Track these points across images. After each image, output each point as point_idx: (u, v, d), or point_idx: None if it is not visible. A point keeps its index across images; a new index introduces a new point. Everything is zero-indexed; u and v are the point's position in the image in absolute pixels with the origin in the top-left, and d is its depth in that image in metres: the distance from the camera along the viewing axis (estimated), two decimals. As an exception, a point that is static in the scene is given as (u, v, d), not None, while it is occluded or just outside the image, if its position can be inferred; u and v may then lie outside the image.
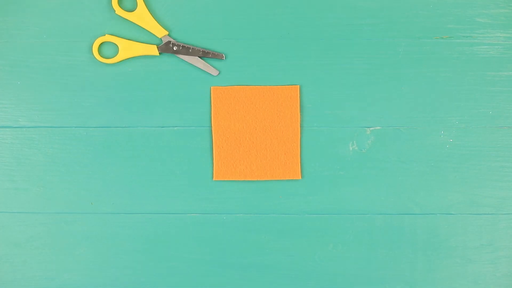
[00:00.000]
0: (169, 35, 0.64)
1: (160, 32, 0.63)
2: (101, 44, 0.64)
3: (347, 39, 0.63)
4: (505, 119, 0.64)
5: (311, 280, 0.65)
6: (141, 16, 0.63)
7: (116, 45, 0.64)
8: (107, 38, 0.63)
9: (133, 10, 0.63)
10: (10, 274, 0.66)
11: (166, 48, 0.63)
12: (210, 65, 0.63)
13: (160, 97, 0.64)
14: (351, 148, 0.64)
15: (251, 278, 0.65)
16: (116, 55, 0.64)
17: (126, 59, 0.64)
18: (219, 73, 0.63)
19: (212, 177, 0.64)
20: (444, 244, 0.64)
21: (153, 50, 0.63)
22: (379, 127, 0.64)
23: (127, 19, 0.64)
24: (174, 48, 0.63)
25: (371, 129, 0.64)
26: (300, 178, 0.64)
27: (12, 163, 0.65)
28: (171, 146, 0.65)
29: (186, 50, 0.63)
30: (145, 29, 0.64)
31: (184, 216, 0.65)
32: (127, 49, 0.63)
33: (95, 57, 0.64)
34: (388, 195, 0.64)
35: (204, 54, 0.63)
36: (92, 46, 0.63)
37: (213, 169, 0.64)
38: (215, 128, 0.64)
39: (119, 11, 0.63)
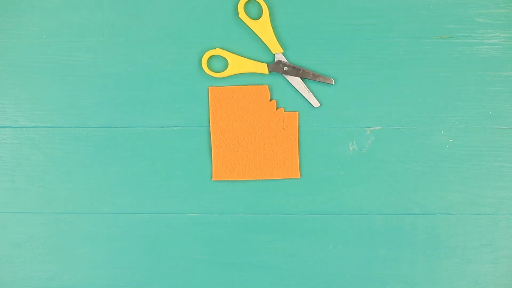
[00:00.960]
0: (283, 53, 0.63)
1: (275, 49, 0.62)
2: (211, 57, 0.64)
3: (347, 39, 0.63)
4: (505, 119, 0.64)
5: (311, 280, 0.65)
6: (263, 27, 0.61)
7: (226, 59, 0.63)
8: (218, 51, 0.63)
9: (257, 19, 0.62)
10: (10, 274, 0.66)
11: (276, 67, 0.62)
12: (314, 95, 0.62)
13: (160, 97, 0.64)
14: (351, 148, 0.64)
15: (251, 278, 0.65)
16: (225, 70, 0.63)
17: (234, 74, 0.63)
18: (320, 105, 0.63)
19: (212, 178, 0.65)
20: (444, 244, 0.64)
21: (263, 69, 0.62)
22: (379, 127, 0.64)
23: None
24: (285, 69, 0.61)
25: (371, 129, 0.64)
26: (299, 177, 0.64)
27: (12, 163, 0.65)
28: (171, 146, 0.65)
29: (296, 71, 0.61)
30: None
31: (184, 216, 0.65)
32: (237, 65, 0.62)
33: (203, 70, 0.63)
34: (388, 195, 0.64)
35: (314, 77, 0.61)
36: (202, 58, 0.63)
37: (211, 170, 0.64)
38: (213, 128, 0.64)
39: (242, 15, 0.62)
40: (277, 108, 0.64)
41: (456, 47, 0.63)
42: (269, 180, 0.65)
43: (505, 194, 0.64)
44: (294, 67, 0.61)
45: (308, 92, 0.62)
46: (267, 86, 0.64)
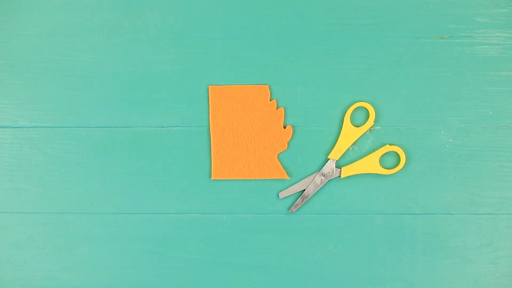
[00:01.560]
0: None
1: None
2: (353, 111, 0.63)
3: (347, 39, 0.63)
4: (505, 119, 0.64)
5: (311, 280, 0.65)
6: None
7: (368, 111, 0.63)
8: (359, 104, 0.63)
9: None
10: (10, 274, 0.66)
11: None
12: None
13: (160, 97, 0.64)
14: (351, 148, 0.64)
15: (251, 278, 0.65)
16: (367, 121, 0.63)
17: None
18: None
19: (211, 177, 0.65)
20: (444, 244, 0.64)
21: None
22: (379, 127, 0.64)
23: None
24: None
25: (371, 129, 0.64)
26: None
27: (12, 163, 0.65)
28: (170, 146, 0.65)
29: None
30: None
31: (184, 216, 0.65)
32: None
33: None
34: (388, 195, 0.64)
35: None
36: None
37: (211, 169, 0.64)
38: (213, 126, 0.64)
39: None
40: (277, 108, 0.64)
41: (456, 47, 0.63)
42: (269, 180, 0.65)
43: (505, 194, 0.64)
44: None
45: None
46: (267, 86, 0.64)
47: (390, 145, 0.63)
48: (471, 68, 0.63)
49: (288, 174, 0.64)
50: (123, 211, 0.65)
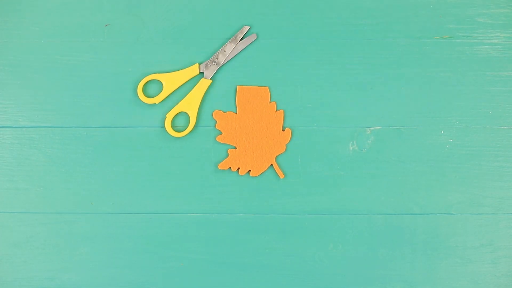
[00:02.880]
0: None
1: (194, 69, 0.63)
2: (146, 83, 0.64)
3: (347, 39, 0.63)
4: (505, 119, 0.64)
5: (311, 280, 0.65)
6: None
7: (160, 81, 0.64)
8: (151, 77, 0.63)
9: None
10: (10, 274, 0.66)
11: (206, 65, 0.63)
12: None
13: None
14: (351, 148, 0.64)
15: (251, 278, 0.65)
16: (161, 92, 0.64)
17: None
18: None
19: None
20: (444, 244, 0.64)
21: (195, 71, 0.63)
22: (379, 127, 0.64)
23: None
24: (214, 62, 0.63)
25: (371, 129, 0.64)
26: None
27: (12, 163, 0.65)
28: (171, 146, 0.65)
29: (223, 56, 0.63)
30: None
31: (184, 216, 0.65)
32: (171, 82, 0.63)
33: (140, 99, 0.63)
34: (388, 195, 0.64)
35: (236, 42, 0.63)
36: (137, 87, 0.63)
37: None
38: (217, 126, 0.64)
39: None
40: (276, 110, 0.64)
41: (456, 47, 0.63)
42: (269, 180, 0.65)
43: (505, 194, 0.64)
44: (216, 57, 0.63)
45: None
46: (267, 87, 0.64)
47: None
48: (471, 68, 0.63)
49: (288, 174, 0.64)
50: (123, 211, 0.65)
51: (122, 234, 0.65)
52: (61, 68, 0.64)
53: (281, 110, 0.64)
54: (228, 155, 0.64)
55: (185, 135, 0.64)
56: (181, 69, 0.64)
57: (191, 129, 0.63)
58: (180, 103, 0.63)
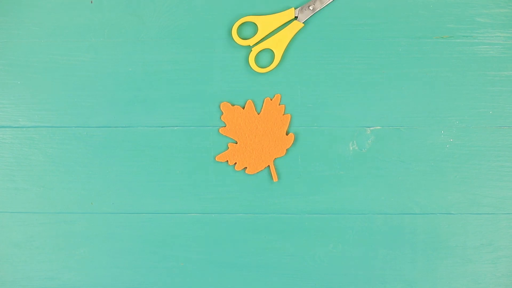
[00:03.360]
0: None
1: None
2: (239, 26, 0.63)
3: (347, 39, 0.63)
4: (505, 119, 0.64)
5: (311, 280, 0.65)
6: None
7: (255, 24, 0.63)
8: (246, 19, 0.62)
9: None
10: (10, 274, 0.66)
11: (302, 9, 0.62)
12: None
13: (160, 97, 0.64)
14: (351, 148, 0.64)
15: (251, 278, 0.65)
16: (255, 34, 0.63)
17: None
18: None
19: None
20: (444, 244, 0.64)
21: (290, 15, 0.62)
22: (379, 127, 0.64)
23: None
24: (310, 7, 0.62)
25: (371, 129, 0.64)
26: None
27: (12, 163, 0.65)
28: (171, 146, 0.65)
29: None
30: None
31: (184, 216, 0.65)
32: (265, 24, 0.62)
33: (234, 40, 0.63)
34: (388, 195, 0.64)
35: None
36: (232, 28, 0.63)
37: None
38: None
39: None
40: (284, 114, 0.64)
41: (456, 47, 0.63)
42: (269, 180, 0.65)
43: (505, 194, 0.64)
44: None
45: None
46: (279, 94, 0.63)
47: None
48: (471, 68, 0.63)
49: (288, 174, 0.64)
50: (123, 211, 0.65)
51: (122, 234, 0.65)
52: (61, 68, 0.64)
53: (288, 115, 0.64)
54: (228, 148, 0.64)
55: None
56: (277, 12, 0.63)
57: (274, 66, 0.63)
58: (268, 39, 0.63)
